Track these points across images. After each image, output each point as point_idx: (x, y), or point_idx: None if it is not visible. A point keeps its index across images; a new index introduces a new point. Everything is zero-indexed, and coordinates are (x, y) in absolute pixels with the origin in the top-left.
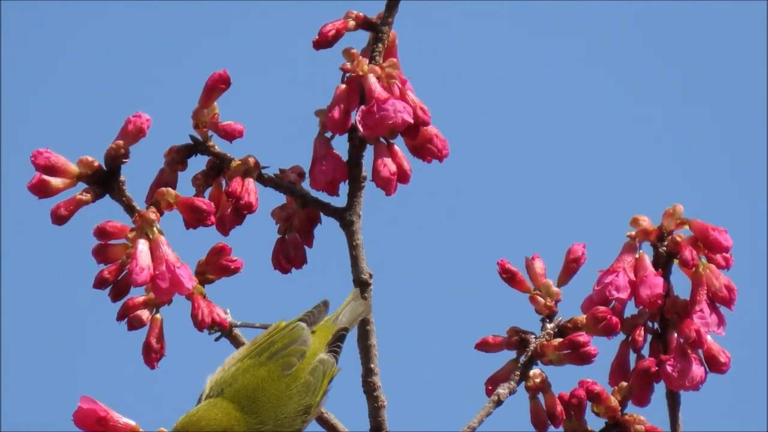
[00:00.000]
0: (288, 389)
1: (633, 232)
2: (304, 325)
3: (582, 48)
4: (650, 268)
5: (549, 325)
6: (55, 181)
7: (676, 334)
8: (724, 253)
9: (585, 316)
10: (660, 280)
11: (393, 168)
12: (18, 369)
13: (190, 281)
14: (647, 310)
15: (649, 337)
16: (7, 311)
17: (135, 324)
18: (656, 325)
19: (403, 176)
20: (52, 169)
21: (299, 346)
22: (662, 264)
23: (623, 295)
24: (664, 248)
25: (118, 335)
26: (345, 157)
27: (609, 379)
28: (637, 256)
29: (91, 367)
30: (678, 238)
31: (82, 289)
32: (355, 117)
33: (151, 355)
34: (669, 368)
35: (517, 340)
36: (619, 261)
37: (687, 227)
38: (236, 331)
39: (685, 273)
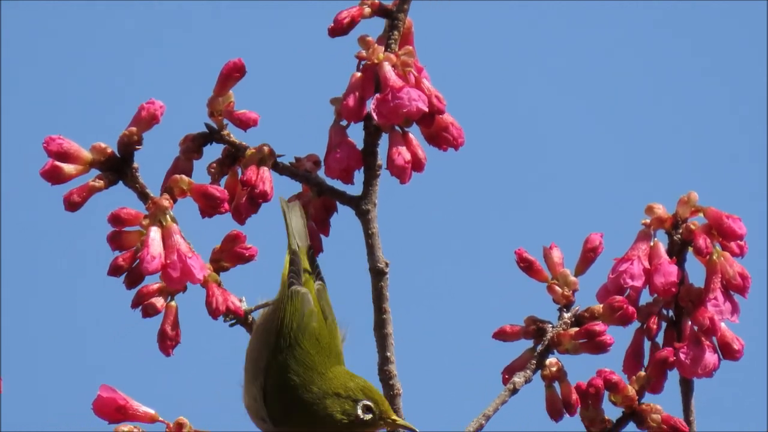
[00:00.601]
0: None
1: (648, 220)
2: (297, 288)
3: (600, 37)
4: (665, 256)
5: (566, 315)
6: (68, 168)
7: (690, 322)
8: (738, 241)
9: (601, 305)
10: (674, 268)
11: (408, 156)
12: (30, 357)
13: (200, 271)
14: (662, 298)
15: (664, 324)
16: (15, 300)
17: (149, 311)
18: (671, 313)
19: (417, 165)
20: (65, 156)
21: (309, 310)
22: (677, 252)
23: (638, 283)
24: (679, 236)
25: (133, 322)
26: (360, 146)
27: (623, 366)
28: (651, 244)
29: (105, 355)
30: (692, 226)
31: (94, 276)
32: (370, 105)
33: (167, 342)
34: (682, 356)
35: (534, 329)
36: (633, 249)
37: (701, 215)
38: (251, 318)
39: (700, 261)
